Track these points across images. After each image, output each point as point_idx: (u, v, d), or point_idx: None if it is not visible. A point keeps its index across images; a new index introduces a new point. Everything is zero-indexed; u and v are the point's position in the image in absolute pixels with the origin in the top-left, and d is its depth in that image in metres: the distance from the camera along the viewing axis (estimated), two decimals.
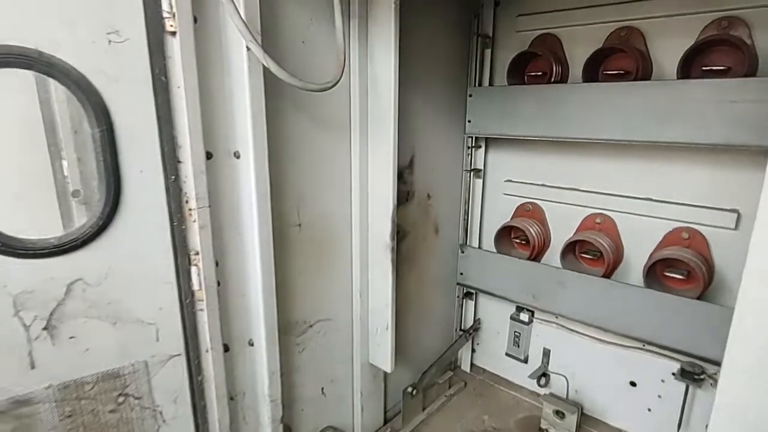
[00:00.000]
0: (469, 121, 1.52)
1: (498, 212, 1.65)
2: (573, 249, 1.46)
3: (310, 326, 1.21)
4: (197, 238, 0.93)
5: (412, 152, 1.37)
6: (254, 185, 0.98)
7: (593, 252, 1.42)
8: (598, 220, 1.46)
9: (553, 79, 1.39)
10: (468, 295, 1.77)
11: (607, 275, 1.39)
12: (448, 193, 1.57)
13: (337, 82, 1.02)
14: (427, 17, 1.36)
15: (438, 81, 1.44)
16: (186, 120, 0.86)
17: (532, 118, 1.37)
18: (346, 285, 1.31)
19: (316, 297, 1.22)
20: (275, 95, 1.02)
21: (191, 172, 0.90)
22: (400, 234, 1.36)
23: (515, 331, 1.63)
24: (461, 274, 1.68)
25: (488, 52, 1.52)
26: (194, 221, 0.92)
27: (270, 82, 0.93)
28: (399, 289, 1.35)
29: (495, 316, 1.74)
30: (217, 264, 0.99)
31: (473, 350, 1.79)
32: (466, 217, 1.64)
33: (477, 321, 1.79)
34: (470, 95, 1.50)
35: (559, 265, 1.44)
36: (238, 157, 0.99)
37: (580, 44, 1.38)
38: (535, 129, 1.38)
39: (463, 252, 1.65)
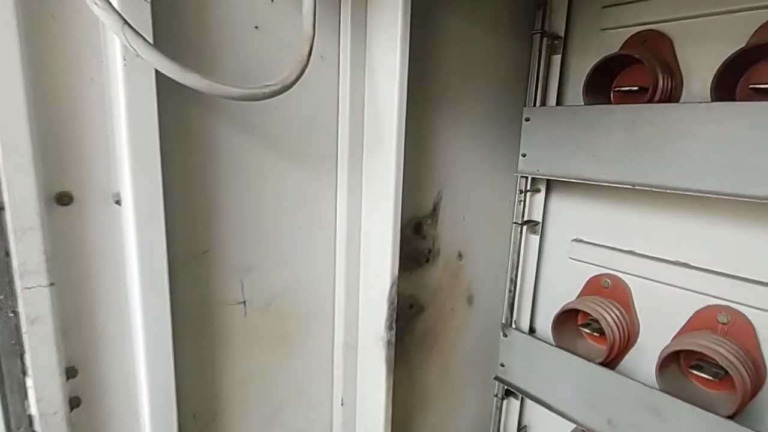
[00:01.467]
0: (524, 155, 1.18)
1: (560, 285, 1.32)
2: (677, 359, 1.04)
3: None
4: (28, 334, 0.57)
5: (438, 196, 1.11)
6: (135, 242, 0.62)
7: (715, 370, 0.94)
8: (722, 318, 1.00)
9: (658, 98, 0.96)
10: (510, 393, 1.43)
11: (738, 410, 0.90)
12: (489, 252, 1.31)
13: (290, 85, 0.63)
14: (467, 5, 1.05)
15: (480, 97, 1.14)
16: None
17: (620, 156, 1.00)
18: (320, 394, 1.00)
19: (271, 414, 0.91)
20: (203, 107, 0.71)
21: (13, 227, 0.54)
22: (413, 309, 1.12)
23: None
24: (502, 365, 1.32)
25: (557, 58, 1.18)
26: (22, 308, 0.56)
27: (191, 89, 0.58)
28: (414, 384, 1.17)
29: (550, 427, 1.40)
30: (72, 374, 0.63)
31: None
32: (512, 288, 1.31)
33: (522, 430, 1.44)
34: (527, 119, 1.15)
35: (654, 381, 1.04)
36: (119, 204, 0.63)
37: (704, 45, 0.94)
38: (624, 172, 1.00)
39: (506, 335, 1.30)
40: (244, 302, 0.83)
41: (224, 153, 0.75)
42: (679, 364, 1.05)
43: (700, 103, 0.88)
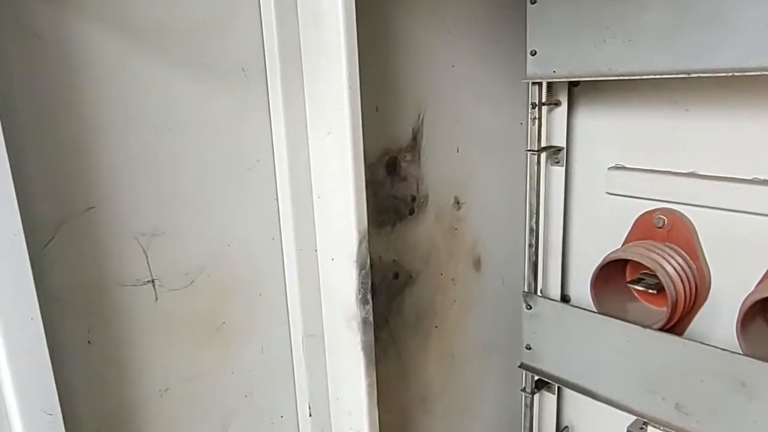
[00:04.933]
0: (534, 53, 1.18)
1: (598, 231, 1.35)
2: (766, 311, 1.06)
3: None
4: None
5: (419, 119, 1.14)
6: None
7: None
8: None
9: None
10: (543, 385, 1.46)
11: None
12: (497, 195, 1.37)
13: None
14: None
15: None
16: None
17: (666, 36, 1.01)
18: (279, 403, 1.04)
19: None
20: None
21: None
22: (399, 280, 1.16)
23: None
24: (528, 348, 1.35)
25: None
26: None
27: None
28: (409, 381, 1.23)
29: (600, 425, 1.45)
30: None
31: None
32: (533, 241, 1.34)
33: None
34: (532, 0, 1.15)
35: (735, 346, 1.05)
36: None
37: None
38: (673, 58, 1.00)
39: (530, 307, 1.33)
40: (153, 281, 0.82)
41: (96, 68, 0.73)
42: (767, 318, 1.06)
43: None
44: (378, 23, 0.99)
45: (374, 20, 0.98)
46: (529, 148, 1.30)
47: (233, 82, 0.87)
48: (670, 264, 1.15)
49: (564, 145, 1.33)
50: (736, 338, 1.05)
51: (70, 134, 0.72)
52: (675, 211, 1.20)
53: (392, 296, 1.12)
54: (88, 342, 0.76)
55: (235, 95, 0.87)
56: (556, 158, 1.35)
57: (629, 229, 1.27)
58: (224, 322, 0.92)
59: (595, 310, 1.24)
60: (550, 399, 1.50)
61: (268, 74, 0.90)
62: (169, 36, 0.79)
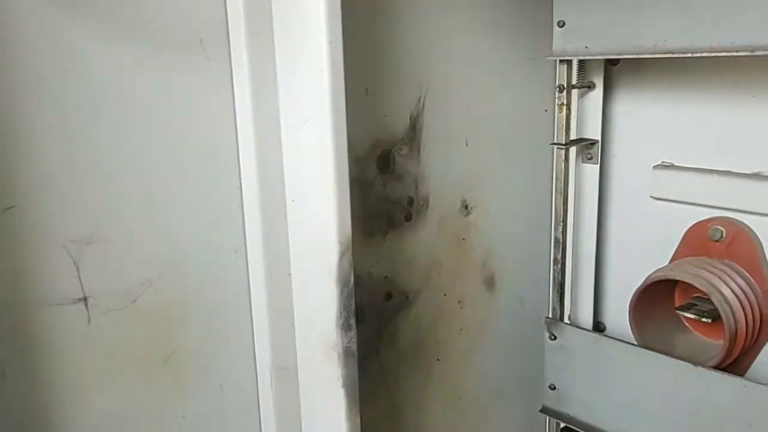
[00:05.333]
0: (561, 24, 1.21)
1: (640, 244, 1.37)
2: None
3: None
4: None
5: (418, 104, 1.16)
6: None
7: None
8: None
9: None
10: None
11: None
12: (516, 198, 1.39)
13: None
14: None
15: None
16: None
17: (729, 2, 1.03)
18: None
19: None
20: None
21: None
22: (393, 301, 1.19)
23: None
24: (552, 388, 1.37)
25: None
26: None
27: None
28: (404, 427, 1.26)
29: None
30: None
31: None
32: (559, 256, 1.36)
33: None
34: None
35: None
36: None
37: None
38: (737, 32, 1.03)
39: (554, 338, 1.35)
40: (85, 299, 0.83)
41: (13, 34, 0.74)
42: None
43: None
44: None
45: None
46: (555, 141, 1.31)
47: (187, 57, 0.88)
48: (728, 286, 1.16)
49: (599, 137, 1.33)
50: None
51: None
52: (736, 221, 1.21)
53: (384, 322, 1.13)
54: (2, 373, 0.77)
55: (189, 73, 0.88)
56: (589, 154, 1.35)
57: (678, 242, 1.28)
58: (174, 352, 0.92)
59: (636, 342, 1.24)
60: None
61: (231, 47, 0.91)
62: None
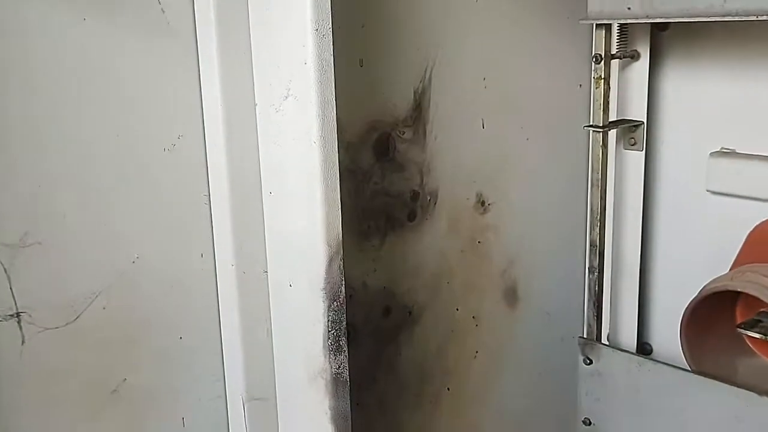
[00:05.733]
0: None
1: (693, 247, 1.38)
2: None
3: None
4: None
5: (424, 77, 1.16)
6: None
7: None
8: None
9: None
10: None
11: None
12: (542, 192, 1.41)
13: None
14: None
15: None
16: None
17: None
18: None
19: None
20: None
21: None
22: (392, 317, 1.18)
23: None
24: (587, 423, 1.38)
25: None
26: None
27: None
28: None
29: None
30: None
31: None
32: (596, 263, 1.37)
33: None
34: None
35: None
36: None
37: None
38: None
39: (590, 362, 1.35)
40: (18, 314, 0.84)
41: None
42: None
43: None
44: None
45: None
46: (591, 123, 1.31)
47: (146, 26, 0.89)
48: None
49: (644, 118, 1.34)
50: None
51: None
52: None
53: (382, 343, 1.13)
54: None
55: (148, 44, 0.89)
56: (633, 138, 1.35)
57: (741, 246, 1.29)
58: (126, 380, 0.92)
59: (689, 368, 1.25)
60: None
61: (196, 14, 0.92)
62: None
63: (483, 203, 1.26)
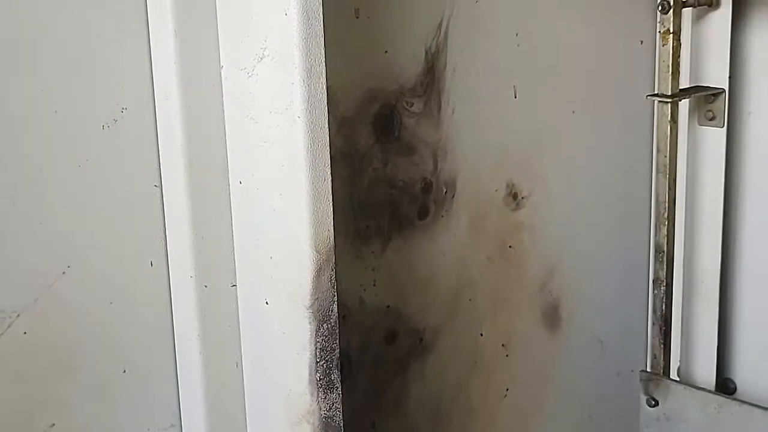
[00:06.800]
0: None
1: None
2: None
3: None
4: None
5: (437, 30, 1.16)
6: None
7: None
8: None
9: None
10: None
11: None
12: (592, 182, 1.43)
13: None
14: None
15: None
16: None
17: None
18: None
19: None
20: None
21: None
22: (397, 344, 1.19)
23: None
24: None
25: None
26: None
27: None
28: None
29: None
30: None
31: None
32: (663, 275, 1.37)
33: None
34: None
35: None
36: None
37: None
38: None
39: (655, 403, 1.36)
40: None
41: None
42: None
43: None
44: None
45: None
46: (656, 92, 1.32)
47: None
48: None
49: (725, 85, 1.34)
50: None
51: None
52: None
53: (385, 378, 1.13)
54: None
55: None
56: (710, 111, 1.36)
57: None
58: (54, 425, 0.93)
59: None
60: None
61: None
62: None
63: (515, 196, 1.25)
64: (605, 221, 1.41)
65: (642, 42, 1.38)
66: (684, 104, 1.35)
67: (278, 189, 0.95)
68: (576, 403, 1.41)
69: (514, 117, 1.24)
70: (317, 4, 0.88)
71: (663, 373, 1.37)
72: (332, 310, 0.94)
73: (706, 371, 1.44)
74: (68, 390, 0.95)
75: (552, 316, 1.35)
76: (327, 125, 0.91)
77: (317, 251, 0.92)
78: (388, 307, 1.13)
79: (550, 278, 1.33)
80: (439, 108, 1.15)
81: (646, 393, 1.35)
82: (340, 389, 0.96)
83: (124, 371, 0.98)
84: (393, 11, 1.09)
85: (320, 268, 0.93)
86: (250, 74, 0.94)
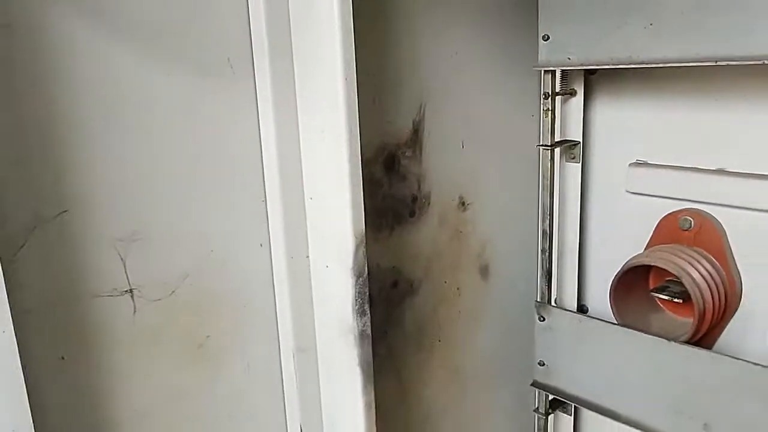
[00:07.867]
0: (546, 38, 1.21)
1: (618, 234, 1.38)
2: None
3: None
4: None
5: (420, 111, 1.15)
6: None
7: None
8: None
9: None
10: (558, 405, 1.48)
11: None
12: (507, 194, 1.39)
13: None
14: None
15: None
16: None
17: (690, 19, 1.04)
18: (267, 425, 1.05)
19: None
20: None
21: None
22: (398, 288, 1.19)
23: None
24: (542, 364, 1.38)
25: None
26: None
27: None
28: (409, 400, 1.25)
29: None
30: None
31: None
32: (546, 246, 1.37)
33: None
34: None
35: None
36: None
37: None
38: (698, 44, 1.04)
39: (543, 319, 1.36)
40: (131, 291, 0.84)
41: (70, 61, 0.75)
42: None
43: None
44: (375, 7, 1.01)
45: (370, 4, 0.99)
46: (541, 143, 1.31)
47: (218, 75, 0.88)
48: (697, 270, 1.18)
49: (580, 139, 1.34)
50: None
51: (41, 132, 0.73)
52: (702, 212, 1.23)
53: (391, 307, 1.13)
54: (62, 358, 0.78)
55: (220, 89, 0.89)
56: (572, 154, 1.35)
57: (652, 232, 1.30)
58: (209, 336, 0.93)
59: (616, 322, 1.26)
60: (565, 420, 1.51)
61: (255, 66, 0.91)
62: (149, 26, 0.81)
63: (463, 203, 1.25)
64: (514, 216, 1.40)
65: (533, 115, 1.37)
66: (557, 150, 1.34)
67: (333, 202, 0.94)
68: (499, 321, 1.40)
69: (462, 159, 1.23)
70: (354, 101, 0.88)
71: (547, 302, 1.38)
72: (364, 270, 0.95)
73: (570, 300, 1.45)
74: (215, 317, 0.95)
75: (485, 272, 1.35)
76: (360, 165, 0.90)
77: (356, 237, 0.93)
78: (393, 267, 1.13)
79: (483, 251, 1.33)
80: (421, 153, 1.14)
81: (538, 314, 1.35)
82: (369, 314, 0.97)
83: (245, 306, 0.97)
84: (396, 100, 1.09)
85: (357, 246, 0.93)
86: (316, 138, 0.94)
